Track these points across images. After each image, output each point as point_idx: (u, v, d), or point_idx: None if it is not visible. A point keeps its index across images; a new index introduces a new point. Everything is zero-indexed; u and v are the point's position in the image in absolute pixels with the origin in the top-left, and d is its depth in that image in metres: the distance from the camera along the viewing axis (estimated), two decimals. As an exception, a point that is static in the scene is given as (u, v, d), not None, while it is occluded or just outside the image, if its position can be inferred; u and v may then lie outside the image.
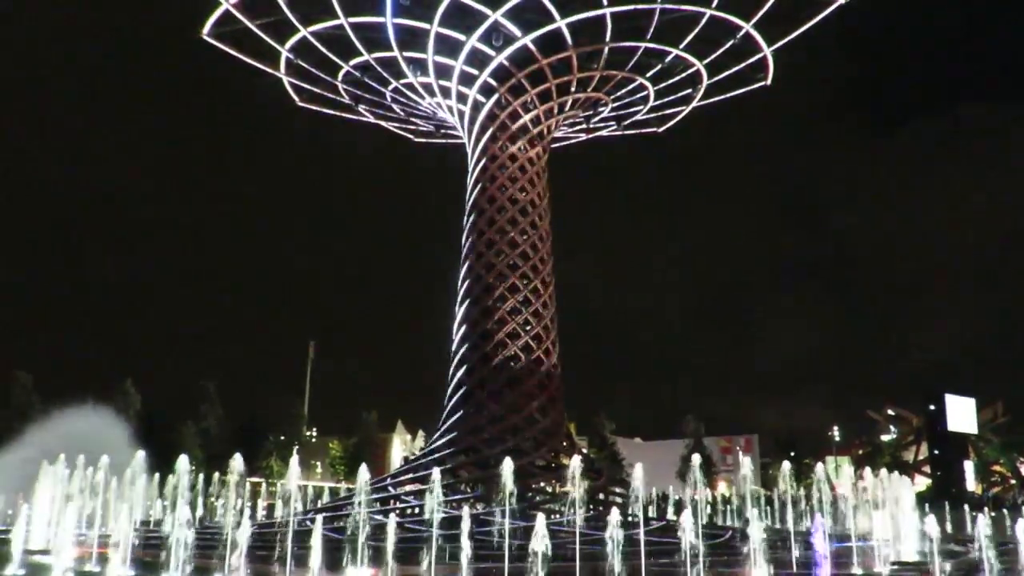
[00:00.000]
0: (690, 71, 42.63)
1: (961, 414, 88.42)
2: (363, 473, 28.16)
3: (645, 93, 43.91)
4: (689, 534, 21.81)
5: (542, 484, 38.24)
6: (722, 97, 46.47)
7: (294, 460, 29.60)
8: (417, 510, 35.47)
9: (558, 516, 33.89)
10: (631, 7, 38.05)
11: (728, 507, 64.65)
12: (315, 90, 46.18)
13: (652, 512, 53.44)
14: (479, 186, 41.14)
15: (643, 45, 40.25)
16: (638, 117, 47.33)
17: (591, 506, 37.21)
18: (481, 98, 40.60)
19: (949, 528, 50.21)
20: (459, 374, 39.28)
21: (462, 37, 38.63)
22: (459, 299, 40.71)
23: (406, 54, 39.93)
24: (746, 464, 48.78)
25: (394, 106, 46.47)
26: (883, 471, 41.90)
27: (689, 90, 44.78)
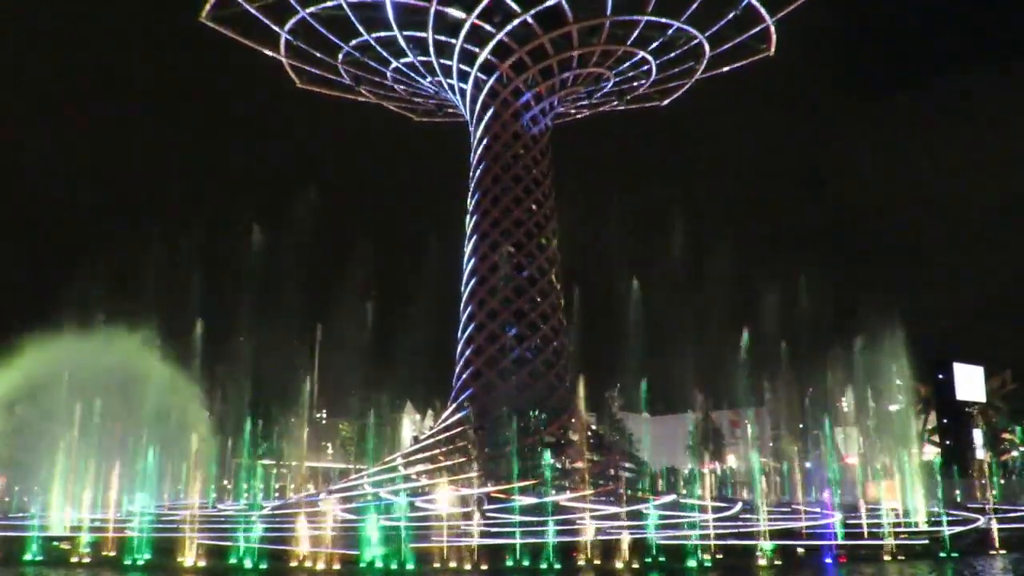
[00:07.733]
0: (692, 44, 42.23)
1: (969, 382, 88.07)
2: None
3: (647, 67, 43.51)
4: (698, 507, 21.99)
5: (552, 461, 38.39)
6: (725, 69, 46.05)
7: None
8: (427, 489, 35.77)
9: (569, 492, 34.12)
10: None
11: (736, 480, 64.99)
12: (315, 71, 45.89)
13: (661, 486, 53.71)
14: (482, 165, 40.94)
15: (644, 18, 39.83)
16: (640, 91, 46.96)
17: (600, 481, 37.47)
18: (482, 76, 40.28)
19: (958, 496, 50.42)
20: (467, 354, 39.34)
21: (462, 15, 38.32)
22: (464, 279, 40.68)
23: (406, 33, 39.64)
24: (755, 437, 48.82)
25: (395, 86, 46.16)
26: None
27: (691, 63, 44.40)
